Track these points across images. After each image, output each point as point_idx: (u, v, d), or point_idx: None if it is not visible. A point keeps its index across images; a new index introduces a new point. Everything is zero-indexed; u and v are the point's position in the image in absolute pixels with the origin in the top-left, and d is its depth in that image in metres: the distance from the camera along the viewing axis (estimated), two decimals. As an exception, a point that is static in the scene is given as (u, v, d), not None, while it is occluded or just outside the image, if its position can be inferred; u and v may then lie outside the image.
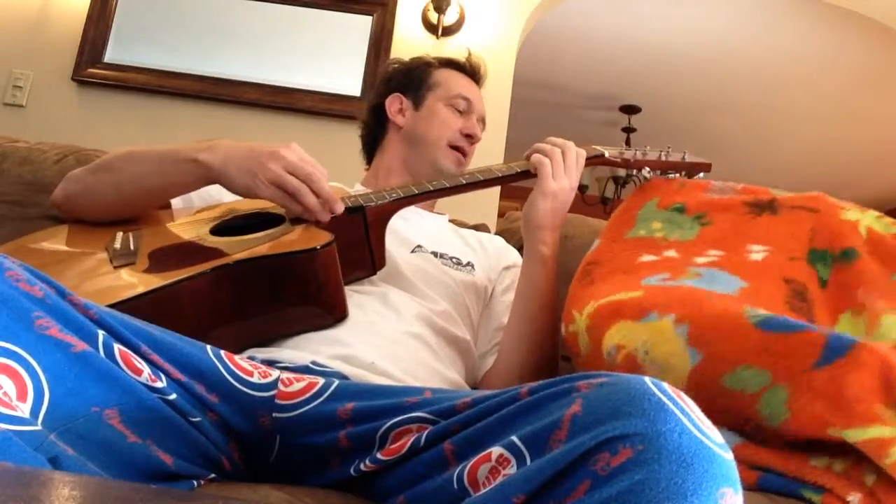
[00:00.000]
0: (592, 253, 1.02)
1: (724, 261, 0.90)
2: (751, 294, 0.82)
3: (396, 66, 1.29)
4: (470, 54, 1.28)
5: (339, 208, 0.91)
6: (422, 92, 1.21)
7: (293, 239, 0.88)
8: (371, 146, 1.27)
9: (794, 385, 0.66)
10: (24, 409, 0.50)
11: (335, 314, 0.89)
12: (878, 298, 0.77)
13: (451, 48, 2.39)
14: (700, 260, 0.91)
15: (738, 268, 0.87)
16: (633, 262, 0.96)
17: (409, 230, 1.09)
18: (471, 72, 1.26)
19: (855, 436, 0.62)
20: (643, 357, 0.80)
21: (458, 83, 1.22)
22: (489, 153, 2.33)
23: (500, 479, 0.49)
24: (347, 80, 2.43)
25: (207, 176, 0.91)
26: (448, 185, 1.02)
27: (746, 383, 0.69)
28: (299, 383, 0.69)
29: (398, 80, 1.24)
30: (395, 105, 1.22)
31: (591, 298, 0.92)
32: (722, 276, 0.86)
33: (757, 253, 0.89)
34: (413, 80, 1.23)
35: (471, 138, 1.19)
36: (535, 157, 1.02)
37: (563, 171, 1.01)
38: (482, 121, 1.24)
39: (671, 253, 0.95)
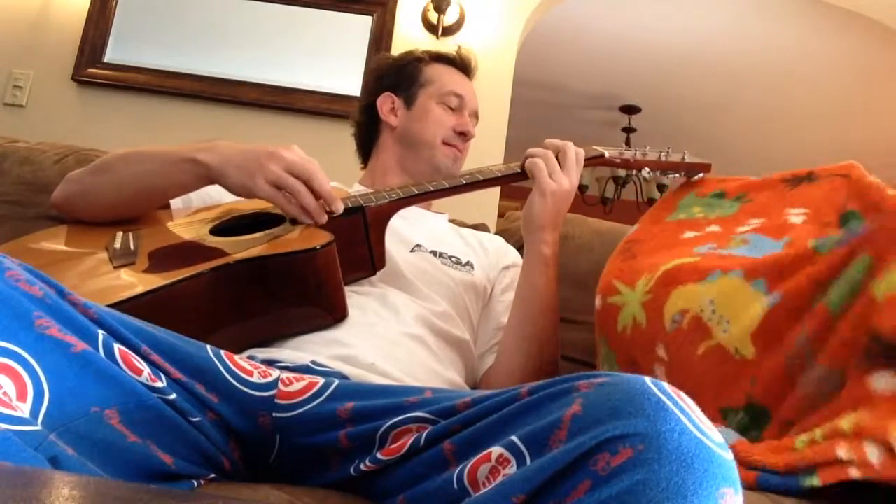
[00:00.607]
0: (631, 234, 1.03)
1: (766, 226, 0.91)
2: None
3: (386, 62, 1.27)
4: (460, 48, 1.27)
5: (339, 207, 0.91)
6: (413, 90, 1.20)
7: (293, 239, 0.88)
8: (366, 146, 1.26)
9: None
10: (23, 409, 0.50)
11: (335, 314, 0.89)
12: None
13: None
14: (742, 228, 0.93)
15: (780, 230, 0.88)
16: (677, 239, 0.98)
17: (408, 229, 1.09)
18: (462, 65, 1.24)
19: None
20: (710, 315, 0.81)
21: (450, 79, 1.21)
22: (489, 153, 2.33)
23: (499, 479, 0.49)
24: (347, 80, 2.43)
25: (207, 176, 0.91)
26: (448, 186, 1.02)
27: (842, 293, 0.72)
28: (299, 383, 0.69)
29: (389, 78, 1.23)
30: (386, 104, 1.21)
31: (642, 271, 0.92)
32: (766, 241, 0.88)
33: (796, 216, 0.90)
34: (404, 77, 1.22)
35: (464, 135, 1.18)
36: (529, 161, 1.02)
37: (559, 169, 1.00)
38: (475, 115, 1.23)
39: (714, 228, 0.97)
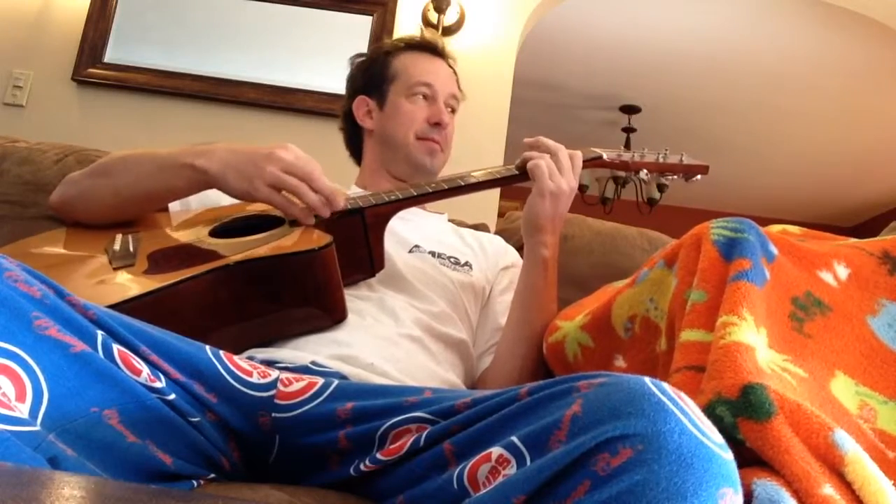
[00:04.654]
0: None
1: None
2: None
3: (356, 64, 1.24)
4: (423, 31, 1.24)
5: (341, 203, 0.91)
6: (383, 88, 1.17)
7: (292, 241, 0.88)
8: (354, 151, 1.26)
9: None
10: (22, 410, 0.50)
11: (334, 315, 0.89)
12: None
13: (452, 49, 2.39)
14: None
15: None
16: (605, 290, 0.99)
17: (407, 230, 1.09)
18: (429, 48, 1.20)
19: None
20: (654, 312, 0.80)
21: (416, 69, 1.16)
22: (489, 153, 2.33)
23: (499, 479, 0.49)
24: (347, 80, 2.43)
25: (205, 181, 0.91)
26: (446, 188, 1.02)
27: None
28: (299, 383, 0.69)
29: (360, 81, 1.21)
30: (361, 109, 1.20)
31: (582, 310, 0.93)
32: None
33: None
34: (373, 77, 1.19)
35: (439, 125, 1.14)
36: (531, 162, 1.00)
37: (558, 171, 0.99)
38: (454, 98, 1.18)
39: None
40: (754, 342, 0.63)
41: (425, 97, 1.15)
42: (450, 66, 1.21)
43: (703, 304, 0.70)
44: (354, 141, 1.24)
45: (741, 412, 0.56)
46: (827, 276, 0.76)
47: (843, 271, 0.76)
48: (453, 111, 1.19)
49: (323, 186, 0.89)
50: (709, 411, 0.57)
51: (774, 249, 0.75)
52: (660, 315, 0.79)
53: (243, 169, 0.87)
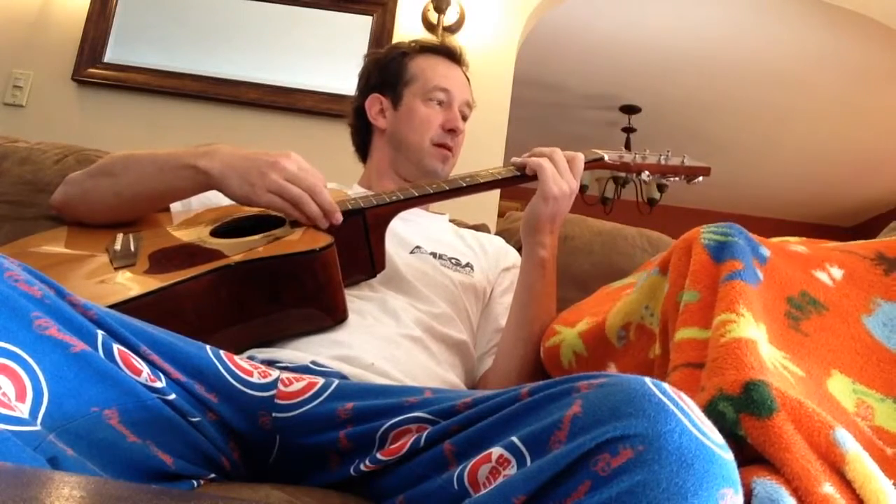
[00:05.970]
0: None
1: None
2: None
3: (372, 61, 1.24)
4: (444, 37, 1.25)
5: (339, 218, 0.91)
6: (399, 88, 1.17)
7: (293, 241, 0.88)
8: (361, 148, 1.25)
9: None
10: (22, 410, 0.50)
11: (335, 316, 0.89)
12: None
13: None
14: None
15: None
16: (605, 292, 1.00)
17: (408, 231, 1.09)
18: (448, 53, 1.20)
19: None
20: (650, 319, 0.80)
21: (434, 73, 1.17)
22: (489, 153, 2.33)
23: (500, 479, 0.49)
24: (347, 80, 2.41)
25: (207, 182, 0.91)
26: (447, 189, 1.02)
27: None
28: (299, 383, 0.69)
29: (375, 78, 1.21)
30: (374, 107, 1.19)
31: (583, 316, 0.93)
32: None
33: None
34: (389, 76, 1.19)
35: (454, 132, 1.15)
36: (535, 160, 1.00)
37: (560, 174, 0.99)
38: (467, 105, 1.19)
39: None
40: (755, 336, 0.63)
41: (441, 102, 1.16)
42: (465, 75, 1.22)
43: (696, 304, 0.70)
44: (363, 138, 1.24)
45: (743, 408, 0.56)
46: (822, 276, 0.76)
47: (837, 272, 0.77)
48: (465, 118, 1.20)
49: (324, 200, 0.89)
50: (711, 407, 0.57)
51: (766, 251, 0.75)
52: (654, 321, 0.79)
53: (246, 174, 0.87)
